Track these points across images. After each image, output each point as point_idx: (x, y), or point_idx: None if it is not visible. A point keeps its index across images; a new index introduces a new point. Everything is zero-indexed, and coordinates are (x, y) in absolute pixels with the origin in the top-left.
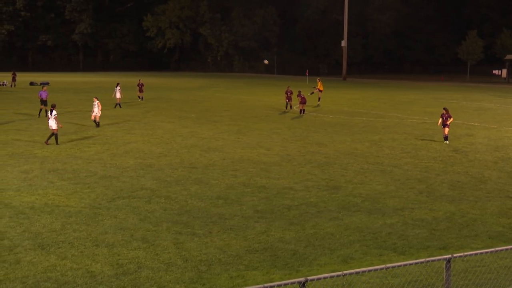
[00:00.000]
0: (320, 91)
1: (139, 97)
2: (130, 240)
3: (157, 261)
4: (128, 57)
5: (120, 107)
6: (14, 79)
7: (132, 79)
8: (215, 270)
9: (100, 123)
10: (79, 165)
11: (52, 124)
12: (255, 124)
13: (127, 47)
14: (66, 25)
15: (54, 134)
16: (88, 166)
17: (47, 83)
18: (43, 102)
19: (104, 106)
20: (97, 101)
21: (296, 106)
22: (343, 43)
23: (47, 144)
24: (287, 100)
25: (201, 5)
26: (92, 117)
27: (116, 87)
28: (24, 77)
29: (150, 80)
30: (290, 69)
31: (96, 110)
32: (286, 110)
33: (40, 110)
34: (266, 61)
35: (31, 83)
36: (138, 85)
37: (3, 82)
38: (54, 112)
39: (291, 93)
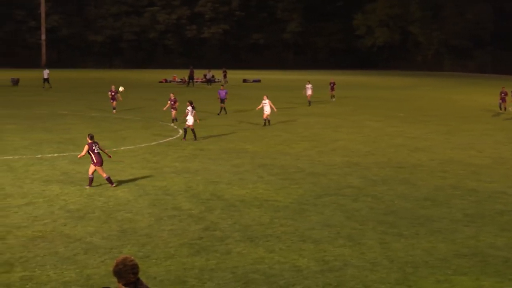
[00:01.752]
0: None
1: (331, 96)
2: (336, 237)
3: (363, 260)
4: (337, 55)
5: (309, 104)
6: (225, 76)
7: (339, 77)
8: (421, 272)
9: (306, 120)
10: (287, 161)
11: (190, 119)
12: (465, 125)
13: (335, 45)
14: (277, 24)
15: (191, 130)
16: (296, 162)
17: (259, 80)
18: (222, 101)
19: (294, 104)
20: (267, 100)
21: (511, 107)
22: None
23: (184, 140)
24: (501, 101)
25: (411, 3)
26: (265, 116)
27: (307, 84)
28: (236, 75)
29: (357, 78)
30: (506, 68)
31: (268, 109)
32: (500, 111)
33: (221, 108)
34: (121, 89)
35: (244, 80)
36: (330, 84)
37: (182, 79)
38: (190, 108)
39: (506, 94)
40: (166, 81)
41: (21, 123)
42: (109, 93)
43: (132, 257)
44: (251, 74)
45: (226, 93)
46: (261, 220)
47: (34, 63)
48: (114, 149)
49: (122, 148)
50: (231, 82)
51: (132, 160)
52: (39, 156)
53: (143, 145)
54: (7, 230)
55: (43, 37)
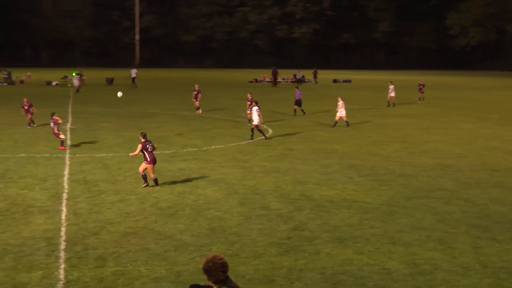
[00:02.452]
0: None
1: (419, 98)
2: (427, 240)
3: (454, 264)
4: (428, 55)
5: (394, 106)
6: (315, 76)
7: (430, 77)
8: None
9: (396, 121)
10: (377, 162)
11: (255, 118)
12: None
13: (427, 45)
14: (368, 23)
15: (257, 128)
16: (386, 163)
17: (349, 81)
18: (297, 102)
19: (384, 105)
20: (341, 101)
21: None
22: None
23: (252, 140)
24: None
25: (508, 2)
26: (337, 117)
27: (390, 85)
28: (326, 75)
29: (449, 79)
30: None
31: (341, 111)
32: None
33: (295, 110)
34: (119, 94)
35: (334, 81)
36: (419, 86)
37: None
38: (257, 107)
39: None
40: (256, 81)
41: (115, 122)
42: (193, 92)
43: (222, 255)
44: (341, 74)
45: (300, 94)
46: (350, 221)
47: (128, 63)
48: (204, 148)
49: (212, 147)
50: (321, 82)
51: (222, 159)
52: (131, 153)
53: (233, 144)
54: (101, 226)
55: (137, 37)
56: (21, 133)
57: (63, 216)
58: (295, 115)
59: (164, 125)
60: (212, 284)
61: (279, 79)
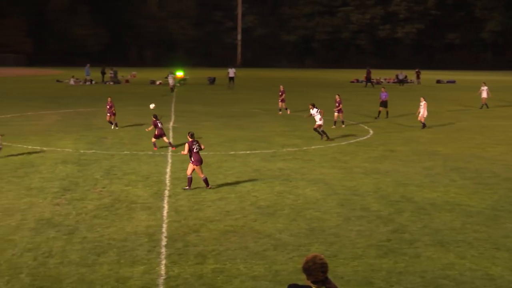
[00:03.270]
0: None
1: None
2: None
3: None
4: None
5: (487, 107)
6: (418, 77)
7: None
8: None
9: (503, 123)
10: (482, 165)
11: (317, 119)
12: None
13: None
14: (475, 23)
15: (318, 129)
16: (491, 166)
17: (454, 81)
18: (383, 104)
19: (490, 106)
20: (424, 101)
21: None
22: None
23: (329, 140)
24: None
25: None
26: (419, 118)
27: (482, 86)
28: (429, 75)
29: None
30: None
31: (423, 111)
32: None
33: (379, 112)
34: (152, 106)
35: (438, 81)
36: None
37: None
38: (316, 109)
39: None
40: (357, 81)
41: (216, 121)
42: (279, 93)
43: (322, 255)
44: (445, 75)
45: (387, 95)
46: (452, 225)
47: (229, 63)
48: (304, 148)
49: (312, 147)
50: (424, 83)
51: (322, 159)
52: (232, 152)
53: (333, 144)
54: (201, 223)
55: (239, 37)
56: (125, 131)
57: (165, 213)
58: (378, 117)
59: (264, 125)
60: (311, 284)
61: (374, 79)
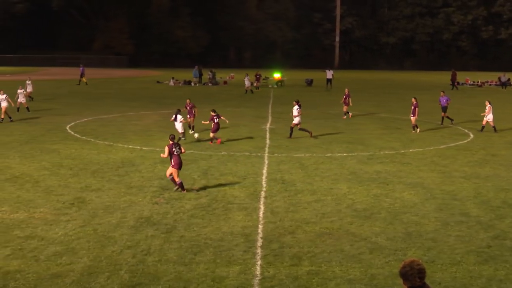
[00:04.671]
0: None
1: None
2: None
3: None
4: None
5: None
6: None
7: None
8: None
9: None
10: None
11: (295, 117)
12: None
13: None
14: None
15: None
16: None
17: None
18: (444, 109)
19: None
20: (489, 105)
21: None
22: None
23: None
24: None
25: None
26: (484, 122)
27: None
28: None
29: None
30: None
31: (489, 116)
32: None
33: (442, 118)
34: (196, 135)
35: None
36: None
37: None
38: (297, 107)
39: None
40: (458, 83)
41: (312, 122)
42: (343, 96)
43: (420, 261)
44: None
45: (447, 100)
46: None
47: (327, 65)
48: (402, 151)
49: (410, 150)
50: None
51: (420, 163)
52: (328, 154)
53: (431, 148)
54: (296, 225)
55: (337, 39)
56: (222, 132)
57: (261, 214)
58: (442, 124)
59: (362, 127)
60: None
61: (460, 82)
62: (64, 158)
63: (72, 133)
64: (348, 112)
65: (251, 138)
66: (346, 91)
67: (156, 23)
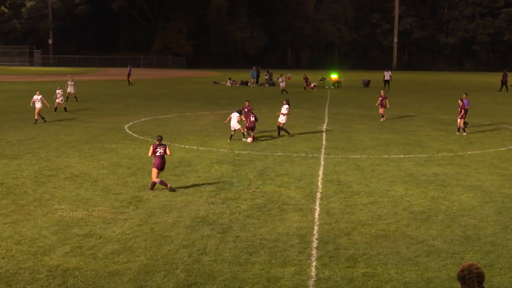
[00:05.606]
0: None
1: None
2: None
3: None
4: None
5: None
6: None
7: None
8: None
9: None
10: None
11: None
12: None
13: None
14: None
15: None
16: None
17: None
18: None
19: None
20: None
21: None
22: None
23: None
24: None
25: None
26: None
27: None
28: None
29: None
30: None
31: None
32: None
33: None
34: (249, 140)
35: None
36: None
37: None
38: (286, 107)
39: None
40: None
41: (370, 124)
42: (379, 98)
43: (479, 265)
44: None
45: (467, 103)
46: None
47: (385, 66)
48: (461, 153)
49: (469, 152)
50: None
51: (479, 165)
52: (385, 156)
53: (491, 150)
54: (352, 227)
55: (395, 39)
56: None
57: (316, 215)
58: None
59: (419, 129)
60: None
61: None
62: (122, 157)
63: (130, 133)
64: (383, 115)
65: (307, 139)
66: (382, 93)
67: (215, 24)
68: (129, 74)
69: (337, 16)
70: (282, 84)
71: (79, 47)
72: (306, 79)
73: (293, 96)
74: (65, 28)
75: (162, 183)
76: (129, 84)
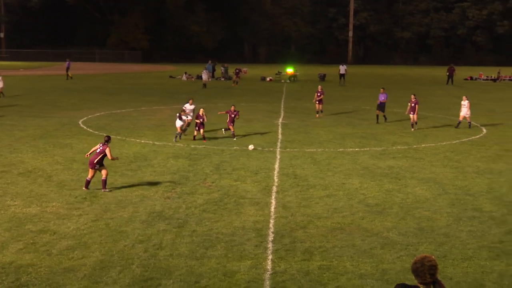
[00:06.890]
0: None
1: None
2: None
3: None
4: None
5: None
6: None
7: None
8: None
9: None
10: None
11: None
12: None
13: None
14: None
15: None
16: None
17: None
18: (380, 107)
19: None
20: (466, 101)
21: None
22: None
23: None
24: None
25: None
26: (461, 117)
27: None
28: None
29: None
30: None
31: (464, 111)
32: None
33: (377, 116)
34: (251, 147)
35: None
36: None
37: None
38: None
39: None
40: (471, 78)
41: (326, 117)
42: (316, 93)
43: (433, 257)
44: None
45: (385, 97)
46: None
47: (341, 60)
48: (415, 146)
49: (423, 145)
50: None
51: (433, 158)
52: (341, 149)
53: (444, 143)
54: (308, 220)
55: (351, 33)
56: (236, 128)
57: (272, 209)
58: (377, 122)
59: (375, 122)
60: (420, 285)
61: (475, 77)
62: (77, 152)
63: (85, 128)
64: (321, 111)
65: (263, 133)
66: (319, 88)
67: (171, 18)
68: (67, 68)
69: (294, 10)
70: (205, 77)
71: (33, 41)
72: (238, 72)
73: (251, 90)
74: (18, 21)
75: (87, 182)
76: (67, 78)
